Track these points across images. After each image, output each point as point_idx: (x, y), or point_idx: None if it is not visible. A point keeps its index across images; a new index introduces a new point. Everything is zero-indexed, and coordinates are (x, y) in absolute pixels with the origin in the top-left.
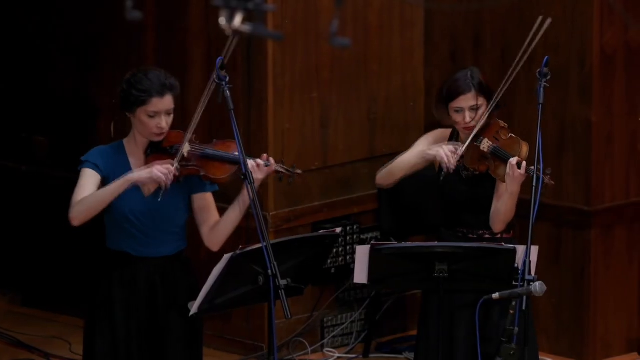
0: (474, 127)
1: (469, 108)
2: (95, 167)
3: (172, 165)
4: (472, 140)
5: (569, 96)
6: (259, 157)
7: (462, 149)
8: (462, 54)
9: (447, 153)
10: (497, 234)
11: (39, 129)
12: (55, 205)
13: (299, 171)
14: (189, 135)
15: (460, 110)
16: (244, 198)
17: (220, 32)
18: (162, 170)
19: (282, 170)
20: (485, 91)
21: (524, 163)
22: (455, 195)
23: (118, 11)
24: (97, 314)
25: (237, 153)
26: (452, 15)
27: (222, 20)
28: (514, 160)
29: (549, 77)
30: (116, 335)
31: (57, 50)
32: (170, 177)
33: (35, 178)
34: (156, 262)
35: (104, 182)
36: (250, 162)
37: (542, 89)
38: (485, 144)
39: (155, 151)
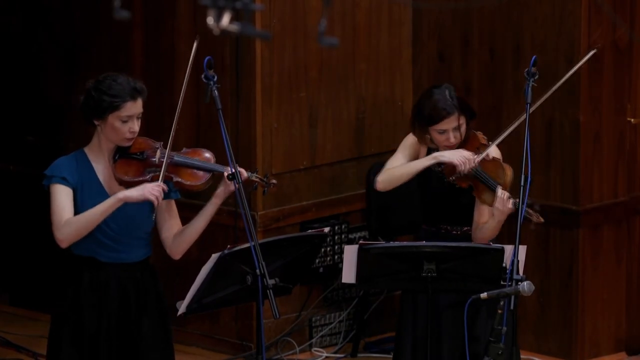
0: (455, 144)
1: (453, 129)
2: (64, 181)
3: (162, 186)
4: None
5: (557, 95)
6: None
7: (479, 157)
8: (450, 53)
9: (463, 158)
10: None
11: (28, 129)
12: (43, 206)
13: (273, 181)
14: (169, 144)
15: (444, 132)
16: (210, 209)
17: (208, 31)
18: (154, 191)
19: (256, 180)
20: (465, 109)
21: (511, 199)
22: (438, 196)
23: (106, 10)
24: (64, 318)
25: (207, 161)
26: (440, 14)
27: (210, 20)
28: (505, 195)
29: (536, 77)
30: (84, 341)
31: (44, 51)
32: (162, 196)
33: (23, 178)
34: (126, 268)
35: (74, 194)
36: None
37: (530, 89)
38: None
39: (123, 156)
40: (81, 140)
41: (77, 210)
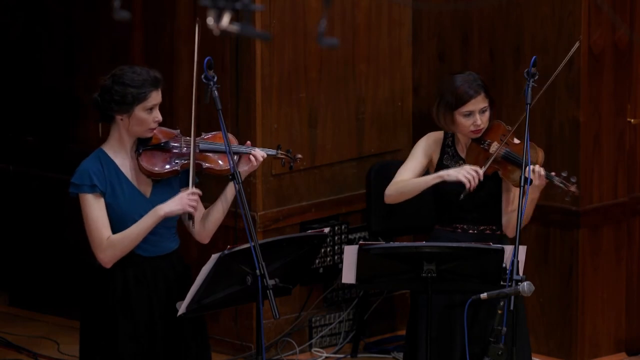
0: (482, 129)
1: (480, 111)
2: (95, 189)
3: (197, 194)
4: (477, 144)
5: (557, 96)
6: (244, 144)
7: (482, 170)
8: (450, 53)
9: (468, 176)
10: (498, 230)
11: (27, 129)
12: (43, 206)
13: (299, 156)
14: (192, 139)
15: (470, 114)
16: (231, 189)
17: (208, 31)
18: (192, 202)
19: (282, 156)
20: (489, 93)
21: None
22: (455, 195)
23: (106, 10)
24: (116, 314)
25: (231, 143)
26: (440, 15)
27: (210, 20)
28: (540, 169)
29: (536, 77)
30: (139, 334)
31: (44, 51)
32: (199, 204)
33: (23, 178)
34: (166, 259)
35: (104, 198)
36: (260, 152)
37: (530, 89)
38: (495, 148)
39: (146, 148)
40: (81, 140)
41: (110, 215)
